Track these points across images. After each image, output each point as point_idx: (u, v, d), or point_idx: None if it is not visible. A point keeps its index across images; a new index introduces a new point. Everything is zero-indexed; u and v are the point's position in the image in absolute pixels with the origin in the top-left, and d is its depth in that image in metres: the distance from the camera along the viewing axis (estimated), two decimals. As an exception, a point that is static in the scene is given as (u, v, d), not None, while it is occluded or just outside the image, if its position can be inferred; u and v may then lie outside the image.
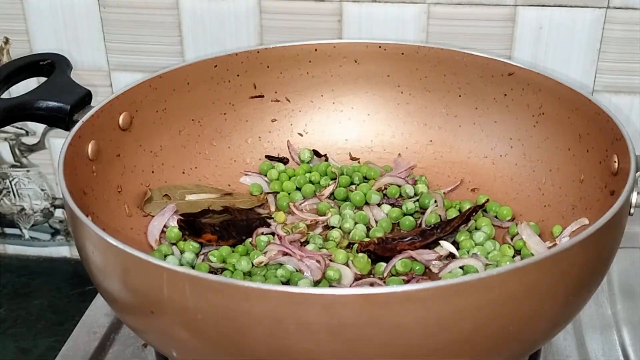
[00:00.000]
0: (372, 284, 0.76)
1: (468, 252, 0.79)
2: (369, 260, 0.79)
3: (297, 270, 0.77)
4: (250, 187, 0.90)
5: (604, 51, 0.94)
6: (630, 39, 0.93)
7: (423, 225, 0.84)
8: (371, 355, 0.59)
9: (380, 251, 0.79)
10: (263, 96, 0.93)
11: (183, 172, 0.89)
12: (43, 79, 0.84)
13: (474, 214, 0.82)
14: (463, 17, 0.95)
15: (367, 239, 0.82)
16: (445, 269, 0.77)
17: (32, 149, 1.10)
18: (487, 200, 0.84)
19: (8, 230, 1.15)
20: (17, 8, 1.01)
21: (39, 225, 1.13)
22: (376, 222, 0.85)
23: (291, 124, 0.94)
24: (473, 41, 0.95)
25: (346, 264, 0.79)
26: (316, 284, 0.76)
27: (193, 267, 0.79)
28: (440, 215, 0.84)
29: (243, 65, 0.91)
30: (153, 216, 0.84)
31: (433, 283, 0.58)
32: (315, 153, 0.93)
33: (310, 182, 0.90)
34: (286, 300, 0.57)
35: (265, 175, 0.92)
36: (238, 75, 0.91)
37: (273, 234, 0.82)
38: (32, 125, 1.08)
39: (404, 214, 0.86)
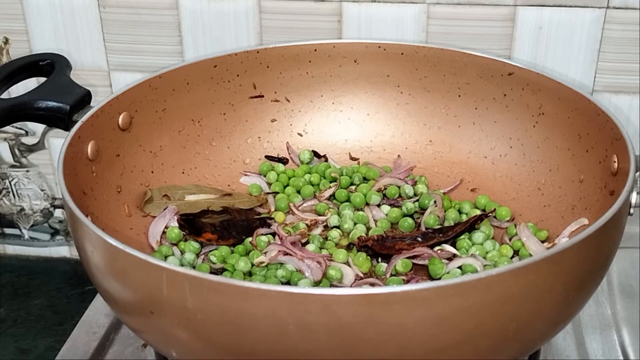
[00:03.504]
0: (372, 284, 0.76)
1: (467, 251, 0.80)
2: (368, 257, 0.79)
3: (297, 271, 0.77)
4: (249, 188, 0.90)
5: (603, 51, 0.94)
6: (630, 39, 0.93)
7: (422, 226, 0.84)
8: (371, 355, 0.59)
9: (378, 248, 0.79)
10: (263, 96, 0.93)
11: (183, 172, 0.89)
12: (43, 79, 0.84)
13: (479, 222, 0.82)
14: (463, 17, 0.95)
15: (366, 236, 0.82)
16: (445, 270, 0.77)
17: (31, 149, 1.10)
18: (494, 209, 0.84)
19: (8, 231, 1.14)
20: (16, 8, 1.01)
21: (39, 225, 1.13)
22: (375, 222, 0.85)
23: (291, 124, 0.94)
24: (473, 41, 0.95)
25: (347, 264, 0.79)
26: (317, 284, 0.76)
27: (194, 268, 0.79)
28: (439, 216, 0.84)
29: (243, 65, 0.91)
30: (153, 216, 0.84)
31: (433, 283, 0.58)
32: (315, 154, 0.93)
33: (310, 183, 0.90)
34: (286, 300, 0.57)
35: (265, 176, 0.92)
36: (238, 76, 0.91)
37: (273, 234, 0.82)
38: (31, 126, 1.08)
39: (404, 215, 0.86)
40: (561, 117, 0.83)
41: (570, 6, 0.93)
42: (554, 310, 0.65)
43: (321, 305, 0.57)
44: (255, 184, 0.90)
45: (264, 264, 0.78)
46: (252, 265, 0.78)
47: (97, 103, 0.81)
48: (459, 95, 0.91)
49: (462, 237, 0.81)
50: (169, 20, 0.99)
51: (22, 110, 0.81)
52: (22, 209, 1.11)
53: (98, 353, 0.82)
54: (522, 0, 0.93)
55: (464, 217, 0.84)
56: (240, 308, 0.58)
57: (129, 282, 0.64)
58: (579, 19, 0.93)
